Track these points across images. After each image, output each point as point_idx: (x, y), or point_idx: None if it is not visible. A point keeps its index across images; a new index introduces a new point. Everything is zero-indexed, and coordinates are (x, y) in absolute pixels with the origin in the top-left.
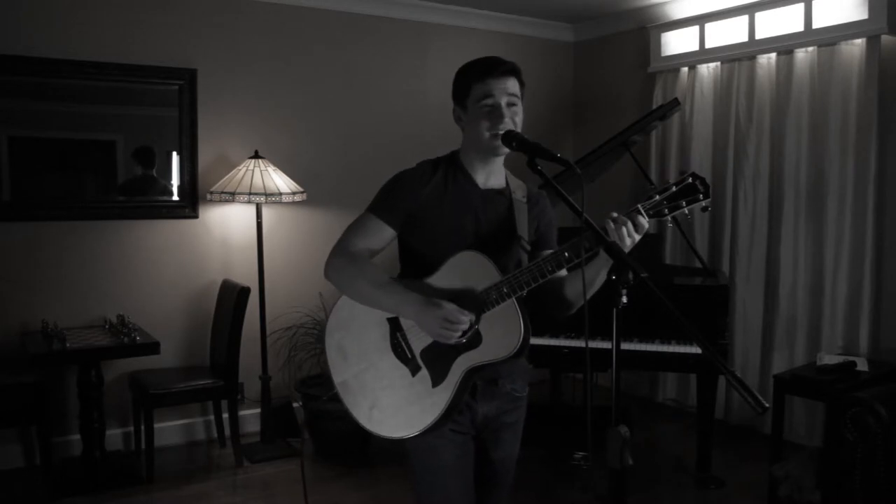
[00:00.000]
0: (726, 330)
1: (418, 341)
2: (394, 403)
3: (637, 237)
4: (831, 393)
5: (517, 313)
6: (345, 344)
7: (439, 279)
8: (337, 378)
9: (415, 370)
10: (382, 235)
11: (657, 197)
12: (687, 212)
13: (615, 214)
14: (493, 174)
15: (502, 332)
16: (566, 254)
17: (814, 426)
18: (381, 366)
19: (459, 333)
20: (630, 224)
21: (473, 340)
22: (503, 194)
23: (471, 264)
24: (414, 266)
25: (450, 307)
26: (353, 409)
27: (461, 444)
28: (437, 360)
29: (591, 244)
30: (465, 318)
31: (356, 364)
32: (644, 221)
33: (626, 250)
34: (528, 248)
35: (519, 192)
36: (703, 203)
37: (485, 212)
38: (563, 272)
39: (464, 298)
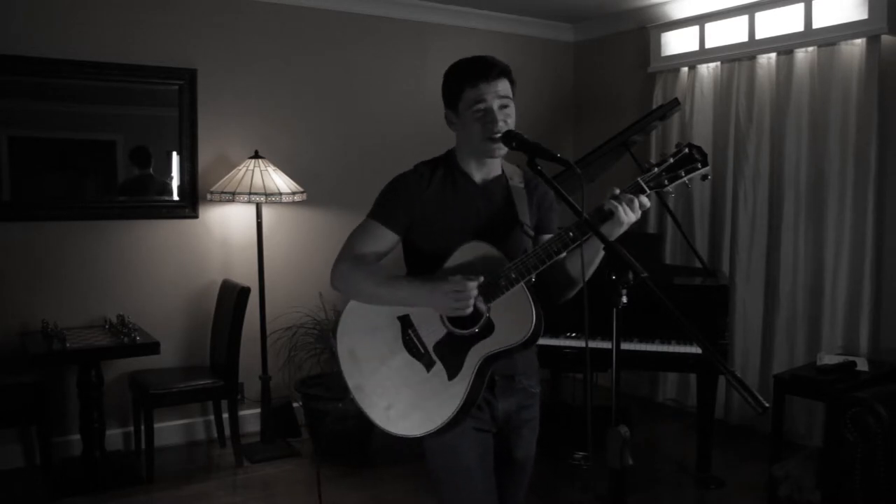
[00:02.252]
0: (726, 330)
1: (431, 336)
2: (410, 401)
3: (638, 214)
4: (831, 393)
5: (528, 298)
6: (356, 348)
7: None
8: (351, 382)
9: (429, 365)
10: (386, 240)
11: (656, 170)
12: (688, 182)
13: (617, 191)
14: (490, 170)
15: (514, 318)
16: (570, 234)
17: (814, 426)
18: (394, 365)
19: (472, 301)
20: (635, 202)
21: (486, 328)
22: (499, 182)
23: (476, 254)
24: (419, 267)
25: (455, 277)
26: (369, 411)
27: (482, 442)
28: (452, 352)
29: (592, 227)
30: (473, 284)
31: (369, 366)
32: (645, 199)
33: (626, 228)
34: (532, 233)
35: (516, 177)
36: (703, 171)
37: (486, 205)
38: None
39: None
